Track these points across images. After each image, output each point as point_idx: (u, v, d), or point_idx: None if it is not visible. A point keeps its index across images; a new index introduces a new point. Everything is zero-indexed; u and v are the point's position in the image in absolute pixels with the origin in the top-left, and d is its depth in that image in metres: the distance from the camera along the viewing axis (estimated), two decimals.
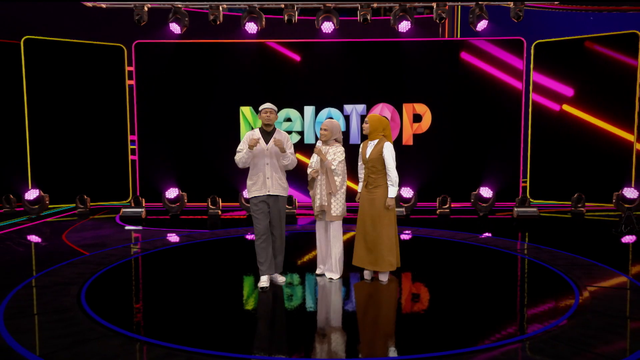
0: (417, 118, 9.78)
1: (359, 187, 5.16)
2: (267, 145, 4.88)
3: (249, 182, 4.94)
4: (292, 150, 5.00)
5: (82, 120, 9.69)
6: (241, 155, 4.85)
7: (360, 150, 5.11)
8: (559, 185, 9.63)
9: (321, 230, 5.19)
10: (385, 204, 4.85)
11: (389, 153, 4.84)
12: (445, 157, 9.86)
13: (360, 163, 5.14)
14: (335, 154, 4.98)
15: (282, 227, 5.02)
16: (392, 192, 4.85)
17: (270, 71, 9.77)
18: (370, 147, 4.95)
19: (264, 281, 4.89)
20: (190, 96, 9.80)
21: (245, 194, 8.97)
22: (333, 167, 4.92)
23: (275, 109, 4.97)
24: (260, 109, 4.94)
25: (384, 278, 5.02)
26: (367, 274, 5.13)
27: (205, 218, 8.93)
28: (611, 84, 9.22)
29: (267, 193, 4.87)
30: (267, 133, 4.93)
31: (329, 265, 5.15)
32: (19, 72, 9.33)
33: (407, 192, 9.43)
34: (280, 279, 5.11)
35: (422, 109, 9.74)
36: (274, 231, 4.97)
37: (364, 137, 5.18)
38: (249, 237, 7.22)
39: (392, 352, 3.58)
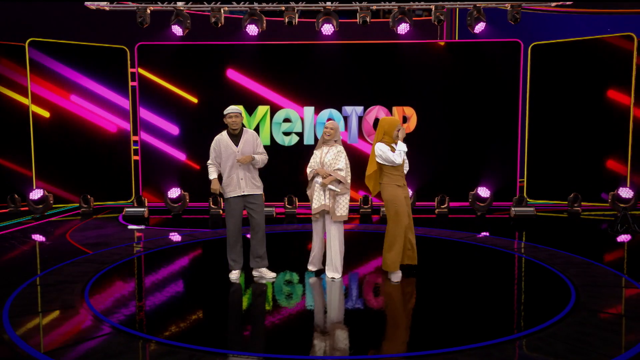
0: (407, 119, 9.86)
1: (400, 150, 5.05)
2: (237, 148, 5.02)
3: (224, 183, 5.09)
4: (261, 149, 5.16)
5: (86, 120, 9.77)
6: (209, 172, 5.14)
7: (387, 150, 5.00)
8: (556, 185, 9.68)
9: (319, 230, 5.25)
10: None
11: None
12: (444, 157, 9.91)
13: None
14: (337, 155, 5.03)
15: (262, 221, 5.16)
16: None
17: (271, 72, 9.83)
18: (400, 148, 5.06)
19: (234, 274, 5.11)
20: (192, 97, 9.86)
21: None
22: (340, 167, 5.00)
23: (240, 111, 5.07)
24: (225, 113, 5.02)
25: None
26: (396, 277, 5.11)
27: (206, 217, 9.01)
28: (606, 85, 9.27)
29: (242, 193, 5.04)
30: (235, 135, 5.06)
31: (329, 265, 5.20)
32: (24, 73, 9.40)
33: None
34: (270, 275, 5.21)
35: (409, 112, 9.79)
36: (255, 226, 5.12)
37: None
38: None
39: (390, 350, 3.64)
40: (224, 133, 5.11)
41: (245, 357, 3.45)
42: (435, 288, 5.02)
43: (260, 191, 5.16)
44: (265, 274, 5.21)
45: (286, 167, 9.67)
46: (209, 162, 5.18)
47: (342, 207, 5.06)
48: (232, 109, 5.01)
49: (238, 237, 5.11)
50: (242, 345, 3.67)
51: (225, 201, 5.13)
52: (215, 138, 5.12)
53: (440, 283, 5.16)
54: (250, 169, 5.07)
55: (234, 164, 5.01)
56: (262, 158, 5.12)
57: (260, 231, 5.14)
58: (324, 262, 5.34)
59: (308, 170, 5.22)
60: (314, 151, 5.25)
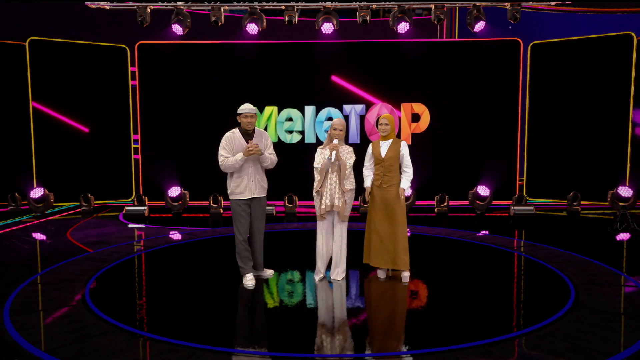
0: (415, 118, 9.84)
1: (367, 186, 5.11)
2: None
3: (232, 185, 4.90)
4: (271, 149, 5.01)
5: (86, 119, 9.78)
6: (231, 163, 4.77)
7: (369, 150, 5.07)
8: (555, 183, 9.69)
9: (327, 230, 5.06)
10: (399, 195, 4.88)
11: (407, 151, 4.95)
12: (444, 156, 9.92)
13: (368, 163, 5.10)
14: (349, 154, 4.94)
15: (262, 227, 5.08)
16: (406, 183, 4.92)
17: (271, 71, 9.84)
18: (384, 146, 4.95)
19: (250, 280, 4.96)
20: (192, 96, 9.88)
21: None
22: (349, 165, 4.87)
23: (256, 111, 4.89)
24: (240, 112, 4.83)
25: (406, 279, 5.01)
26: (381, 273, 5.15)
27: (207, 216, 9.02)
28: (604, 84, 9.28)
29: (252, 196, 4.90)
30: (248, 134, 4.89)
31: (337, 265, 5.10)
32: (24, 72, 9.42)
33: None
34: (269, 272, 5.22)
35: (420, 108, 9.80)
36: (254, 231, 5.01)
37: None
38: None
39: (391, 348, 3.66)
40: (236, 130, 4.91)
41: (246, 355, 3.46)
42: (435, 286, 5.03)
43: (265, 194, 5.04)
44: (264, 273, 5.22)
45: (287, 166, 9.67)
46: (222, 154, 4.84)
47: (349, 207, 4.99)
48: (248, 108, 4.81)
49: (246, 240, 4.97)
50: (242, 343, 3.68)
51: (233, 203, 4.94)
52: (227, 135, 4.88)
53: (440, 281, 5.17)
54: (259, 170, 4.93)
55: (246, 164, 4.83)
56: (271, 158, 4.95)
57: (260, 238, 5.04)
58: (328, 267, 5.23)
59: (317, 166, 4.93)
60: (319, 150, 5.00)
